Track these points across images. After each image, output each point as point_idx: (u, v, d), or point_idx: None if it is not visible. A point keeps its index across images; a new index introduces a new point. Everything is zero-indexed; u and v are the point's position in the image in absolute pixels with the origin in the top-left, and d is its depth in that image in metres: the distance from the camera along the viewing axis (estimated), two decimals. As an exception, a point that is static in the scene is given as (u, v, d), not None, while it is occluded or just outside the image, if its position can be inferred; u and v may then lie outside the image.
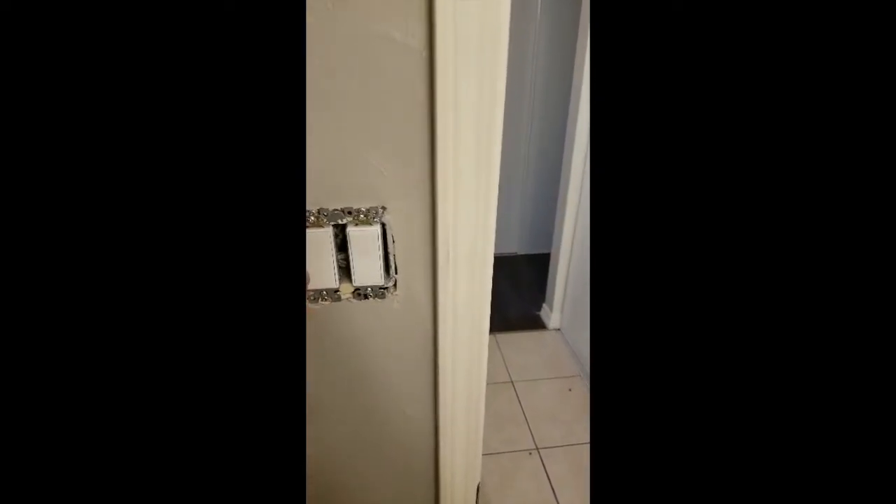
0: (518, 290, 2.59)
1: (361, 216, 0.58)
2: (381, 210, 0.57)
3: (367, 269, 0.60)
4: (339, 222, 0.58)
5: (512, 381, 1.95)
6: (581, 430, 1.73)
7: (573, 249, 2.06)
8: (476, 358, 0.69)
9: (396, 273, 0.61)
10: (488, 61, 0.50)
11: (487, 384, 0.72)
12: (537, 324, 2.32)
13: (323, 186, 0.55)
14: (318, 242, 0.58)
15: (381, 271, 0.61)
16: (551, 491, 1.52)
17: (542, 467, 1.59)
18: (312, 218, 0.57)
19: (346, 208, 0.57)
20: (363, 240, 0.58)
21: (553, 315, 2.26)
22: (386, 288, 0.62)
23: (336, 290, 0.62)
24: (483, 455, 0.80)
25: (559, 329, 2.26)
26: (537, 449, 1.66)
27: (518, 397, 1.87)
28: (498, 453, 1.64)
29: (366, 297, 0.63)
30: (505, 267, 2.78)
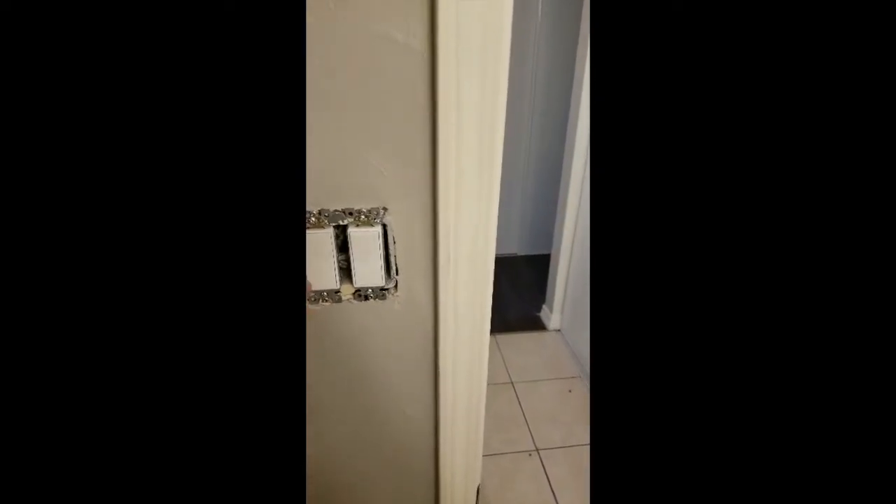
0: (518, 291, 2.59)
1: (362, 217, 0.58)
2: (382, 211, 0.57)
3: (368, 271, 0.60)
4: (340, 223, 0.58)
5: (512, 382, 1.95)
6: (581, 432, 1.73)
7: (573, 250, 2.06)
8: (477, 359, 0.69)
9: (397, 274, 0.62)
10: (491, 61, 0.50)
11: (487, 385, 0.72)
12: (537, 325, 2.32)
13: (323, 187, 0.55)
14: (319, 243, 0.58)
15: (382, 272, 0.61)
16: (551, 492, 1.52)
17: (542, 468, 1.59)
18: (313, 219, 0.57)
19: (347, 209, 0.57)
20: (364, 241, 0.58)
21: (553, 316, 2.26)
22: (387, 289, 0.62)
23: (337, 292, 0.62)
24: (483, 456, 0.80)
25: (559, 330, 2.26)
26: (537, 450, 1.66)
27: (518, 398, 1.87)
28: (498, 454, 1.63)
29: (366, 298, 0.63)
30: (505, 268, 2.78)
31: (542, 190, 2.76)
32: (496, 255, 0.61)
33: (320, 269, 0.60)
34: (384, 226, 0.58)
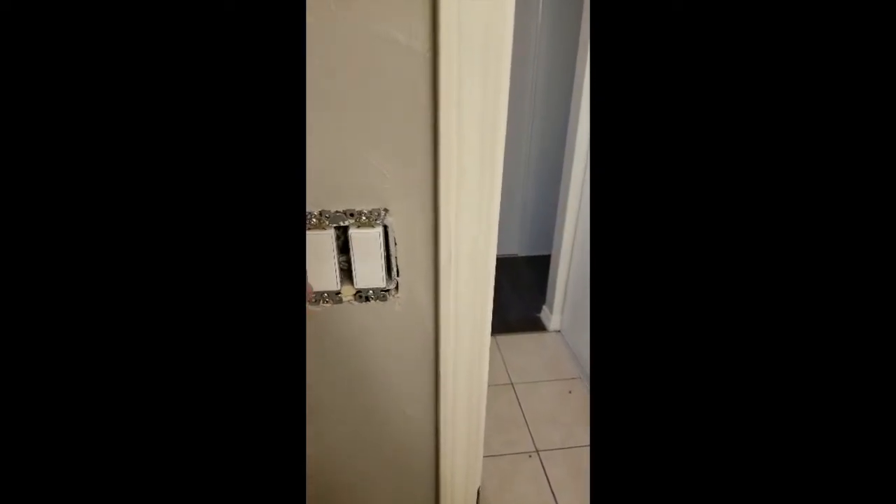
0: (518, 292, 2.59)
1: (363, 218, 0.58)
2: (383, 212, 0.57)
3: (369, 272, 0.60)
4: (341, 224, 0.58)
5: (512, 383, 1.95)
6: (581, 433, 1.73)
7: (573, 251, 2.06)
8: (477, 360, 0.69)
9: (398, 275, 0.62)
10: (493, 60, 0.50)
11: (487, 386, 0.72)
12: (537, 326, 2.32)
13: (323, 187, 0.56)
14: (320, 244, 0.58)
15: (383, 274, 0.61)
16: (551, 494, 1.52)
17: (542, 470, 1.59)
18: (314, 220, 0.57)
19: (348, 210, 0.57)
20: (365, 242, 0.58)
21: (553, 317, 2.26)
22: (387, 290, 0.62)
23: (337, 293, 0.62)
24: (483, 457, 0.80)
25: (559, 331, 2.26)
26: (537, 451, 1.65)
27: (518, 399, 1.87)
28: (497, 455, 1.63)
29: (367, 299, 0.63)
30: (505, 269, 2.77)
31: (543, 191, 2.76)
32: (496, 255, 0.61)
33: (321, 270, 0.60)
34: (385, 227, 0.58)
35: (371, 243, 0.58)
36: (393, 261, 0.61)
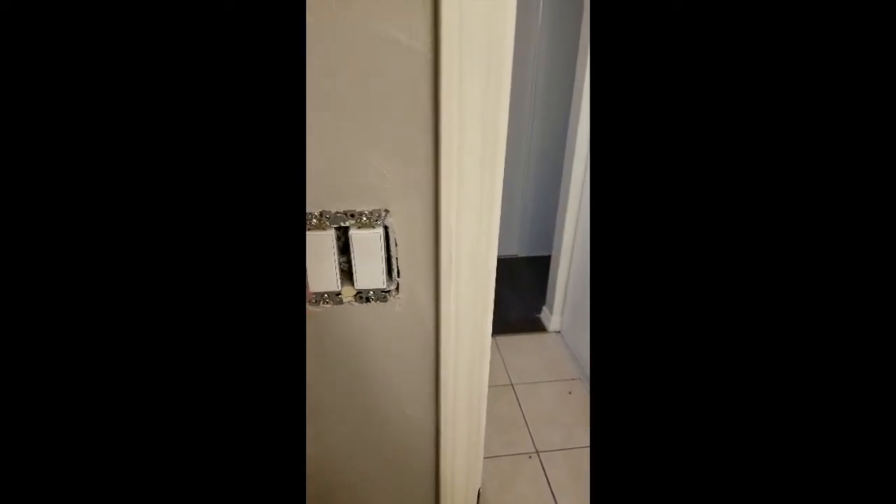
0: (518, 293, 2.59)
1: (364, 219, 0.58)
2: (384, 213, 0.57)
3: (370, 273, 0.60)
4: (342, 225, 0.58)
5: (512, 384, 1.95)
6: (581, 434, 1.72)
7: (574, 252, 2.06)
8: (478, 360, 0.69)
9: (399, 276, 0.61)
10: (494, 60, 0.50)
11: (487, 387, 0.72)
12: (537, 326, 2.32)
13: (323, 187, 0.55)
14: (320, 245, 0.58)
15: (384, 274, 0.61)
16: (551, 495, 1.51)
17: (542, 471, 1.59)
18: (315, 220, 0.57)
19: (348, 211, 0.57)
20: (366, 243, 0.58)
21: (553, 318, 2.25)
22: (388, 291, 0.62)
23: (338, 293, 0.62)
24: (483, 458, 0.80)
25: (559, 332, 2.26)
26: (537, 452, 1.65)
27: (518, 400, 1.87)
28: (497, 456, 1.63)
29: (367, 300, 0.63)
30: (505, 269, 2.77)
31: (543, 191, 2.76)
32: (496, 256, 0.61)
33: (321, 270, 0.60)
34: (386, 227, 0.58)
35: (372, 244, 0.58)
36: (393, 261, 0.60)
